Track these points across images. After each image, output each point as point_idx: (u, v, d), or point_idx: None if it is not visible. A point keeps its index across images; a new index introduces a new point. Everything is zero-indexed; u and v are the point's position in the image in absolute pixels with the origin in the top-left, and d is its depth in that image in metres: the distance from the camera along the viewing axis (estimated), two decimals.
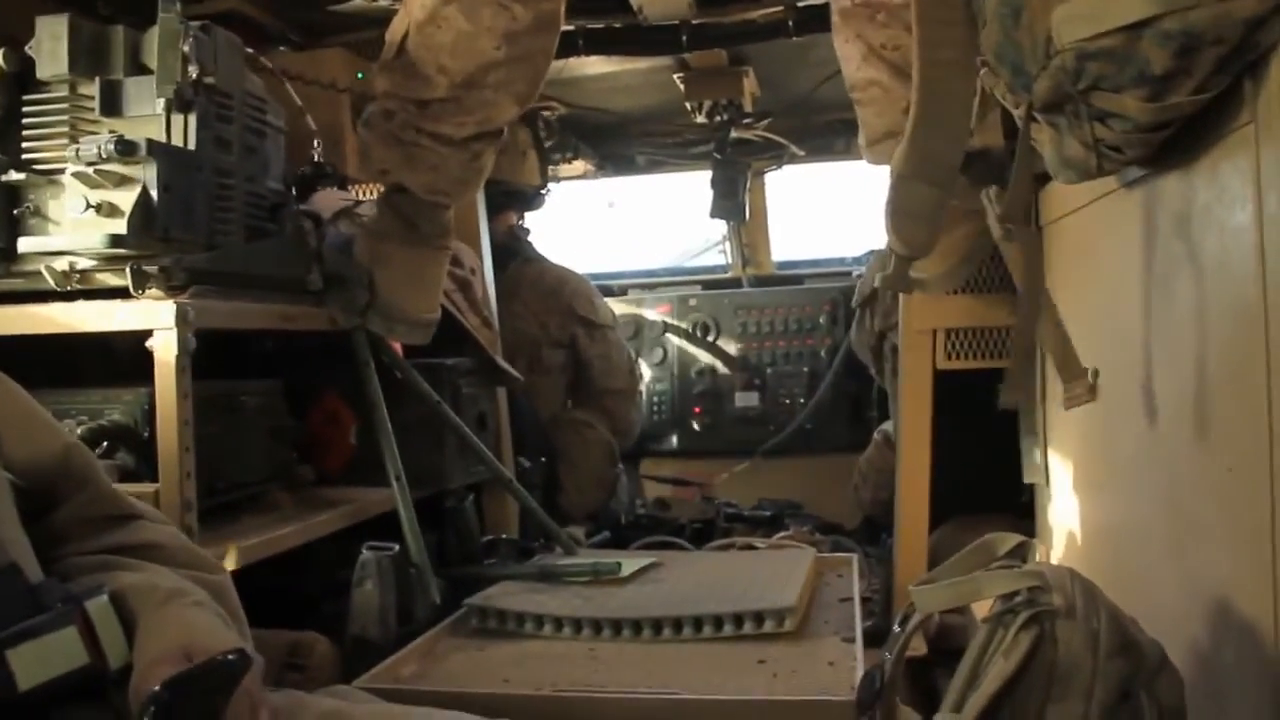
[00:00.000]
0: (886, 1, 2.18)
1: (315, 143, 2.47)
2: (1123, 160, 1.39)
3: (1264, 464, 1.17)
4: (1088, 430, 1.94)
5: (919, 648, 2.37)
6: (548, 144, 3.90)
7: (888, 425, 3.43)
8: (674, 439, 4.49)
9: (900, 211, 1.98)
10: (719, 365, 4.46)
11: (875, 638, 2.12)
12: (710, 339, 4.47)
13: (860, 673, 1.70)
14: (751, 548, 3.03)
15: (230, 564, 1.83)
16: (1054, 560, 2.20)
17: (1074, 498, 2.05)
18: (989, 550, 1.42)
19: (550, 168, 4.01)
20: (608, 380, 3.82)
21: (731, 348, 4.43)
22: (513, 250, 3.78)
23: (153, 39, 1.82)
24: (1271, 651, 1.18)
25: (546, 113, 3.81)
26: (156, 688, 1.06)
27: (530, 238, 3.97)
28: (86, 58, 1.82)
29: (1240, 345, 1.24)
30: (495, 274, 3.40)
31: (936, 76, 1.83)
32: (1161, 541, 1.55)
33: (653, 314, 4.55)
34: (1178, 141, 1.33)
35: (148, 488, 1.77)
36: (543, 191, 3.93)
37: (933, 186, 1.92)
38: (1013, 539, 1.42)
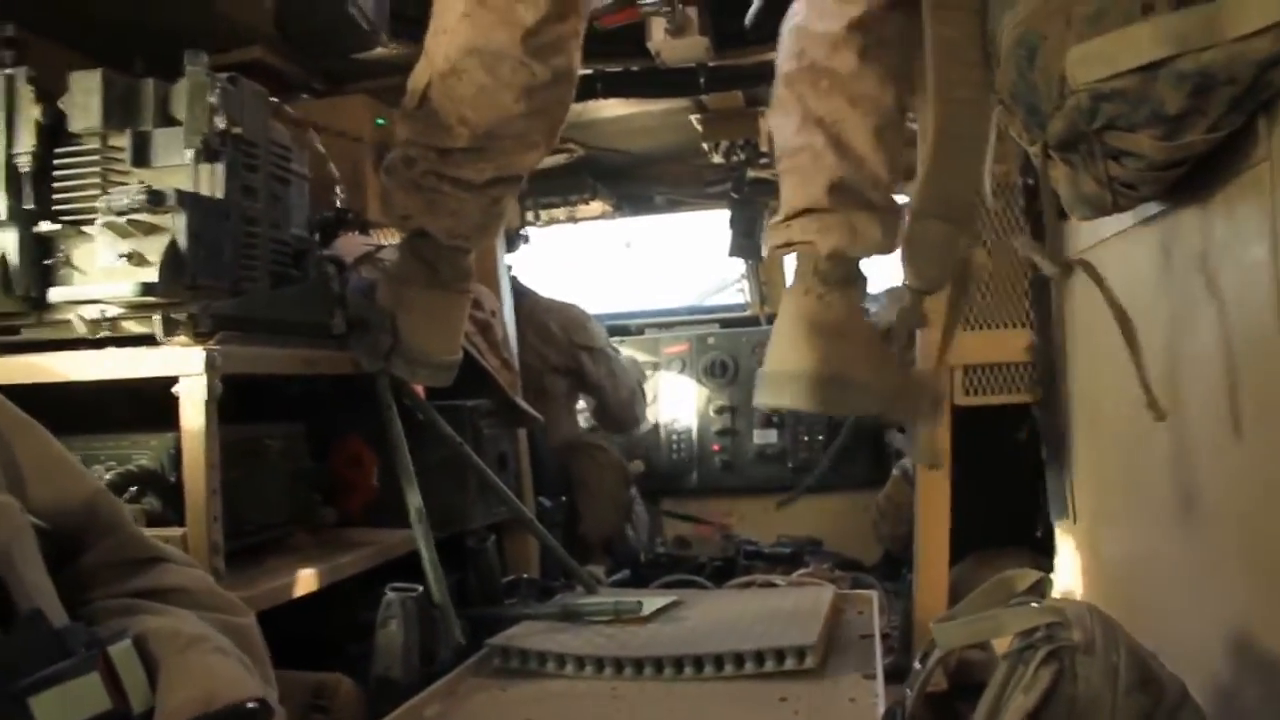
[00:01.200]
0: (834, 69, 2.09)
1: (338, 189, 2.50)
2: (1137, 198, 1.41)
3: None
4: (1107, 465, 1.94)
5: (940, 683, 2.37)
6: (562, 183, 4.00)
7: (906, 461, 3.44)
8: (694, 477, 4.49)
9: (915, 247, 2.01)
10: (737, 403, 4.47)
11: (896, 674, 2.12)
12: (728, 378, 4.49)
13: (881, 709, 1.71)
14: (771, 585, 3.03)
15: (254, 606, 1.85)
16: (1073, 595, 2.20)
17: (1094, 532, 2.05)
18: (1008, 586, 1.43)
19: (568, 209, 4.08)
20: (617, 394, 3.94)
21: (750, 386, 4.44)
22: None
23: (181, 91, 1.86)
24: None
25: (563, 156, 3.85)
26: None
27: (513, 274, 4.02)
28: (118, 110, 1.86)
29: (1260, 378, 1.25)
30: None
31: (953, 115, 1.86)
32: (1182, 577, 1.55)
33: (671, 353, 4.57)
34: (1193, 178, 1.35)
35: (175, 531, 1.79)
36: (520, 234, 4.04)
37: (948, 224, 1.95)
38: (1031, 575, 1.43)
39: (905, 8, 2.04)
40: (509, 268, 3.99)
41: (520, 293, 3.87)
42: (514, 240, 4.01)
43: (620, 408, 3.97)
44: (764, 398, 2.21)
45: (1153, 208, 1.54)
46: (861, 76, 2.06)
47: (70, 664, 1.06)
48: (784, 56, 2.17)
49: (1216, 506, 1.42)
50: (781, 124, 2.19)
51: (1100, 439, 2.02)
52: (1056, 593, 2.16)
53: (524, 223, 4.04)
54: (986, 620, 1.34)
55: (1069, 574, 2.26)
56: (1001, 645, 1.41)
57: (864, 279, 2.18)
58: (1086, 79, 1.32)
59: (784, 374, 2.13)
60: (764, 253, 2.27)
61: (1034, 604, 1.35)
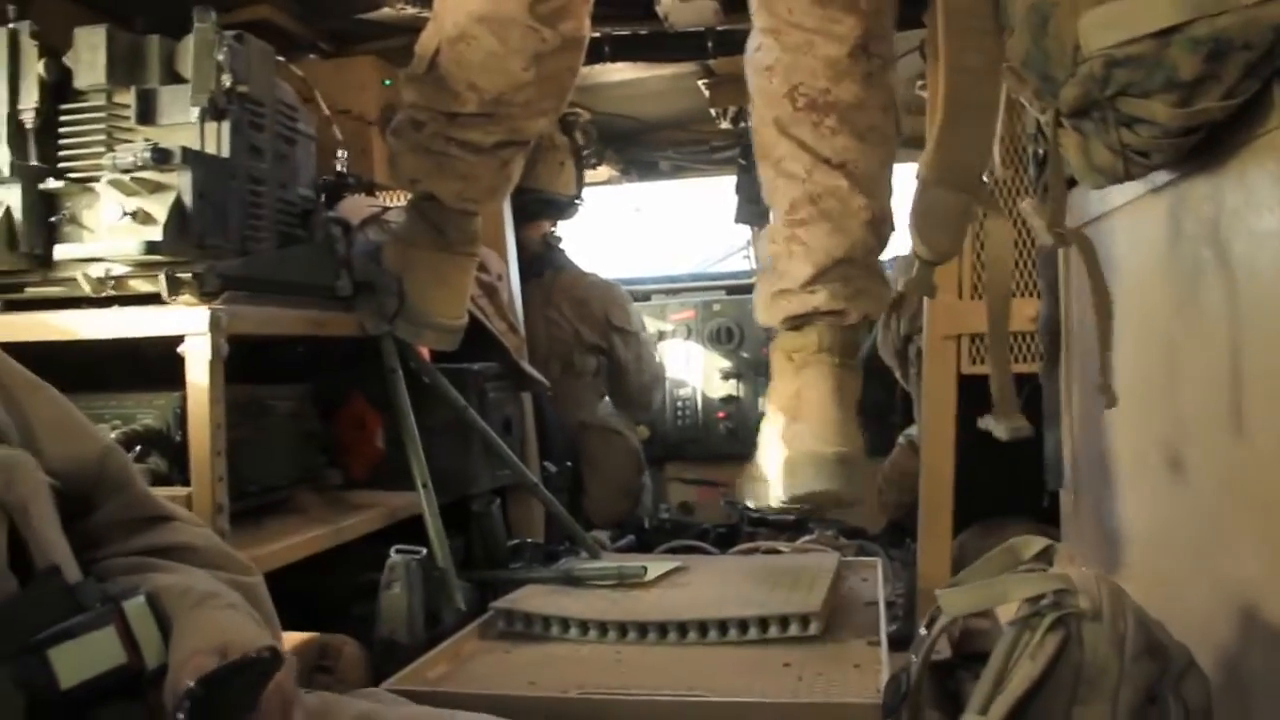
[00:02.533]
0: (836, 102, 1.97)
1: (340, 152, 2.49)
2: (1150, 165, 1.39)
3: None
4: (1113, 434, 1.94)
5: (944, 651, 2.37)
6: (584, 153, 3.94)
7: (912, 430, 3.43)
8: (699, 444, 4.49)
9: (924, 217, 1.98)
10: (743, 370, 4.46)
11: (900, 641, 2.13)
12: (734, 344, 4.48)
13: (886, 676, 1.71)
14: (776, 551, 3.04)
15: (259, 567, 1.85)
16: (1080, 564, 2.20)
17: (1100, 501, 2.04)
18: (1014, 554, 1.43)
19: None
20: (639, 378, 3.92)
21: (756, 352, 4.44)
22: (546, 258, 3.85)
23: (187, 48, 1.85)
24: None
25: (577, 119, 3.83)
26: (191, 683, 1.07)
27: (562, 245, 4.02)
28: (123, 67, 1.85)
29: (1269, 347, 1.24)
30: (530, 281, 3.45)
31: (963, 83, 1.83)
32: (1189, 545, 1.55)
33: (677, 319, 4.56)
34: (1206, 146, 1.34)
35: (180, 491, 1.79)
36: (577, 201, 3.97)
37: (958, 192, 1.93)
38: (1038, 542, 1.42)
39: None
40: (559, 238, 4.00)
41: (561, 265, 3.88)
42: (566, 207, 3.96)
43: (639, 391, 3.96)
44: (809, 483, 2.04)
45: (1164, 176, 1.52)
46: (866, 107, 1.99)
47: (87, 618, 1.08)
48: (764, 102, 2.06)
49: (1223, 474, 1.41)
50: (780, 177, 2.05)
51: (1101, 408, 2.02)
52: (1062, 561, 2.16)
53: (580, 190, 3.95)
54: (993, 587, 1.34)
55: (1076, 542, 2.26)
56: (1006, 615, 1.41)
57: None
58: (1100, 45, 1.30)
59: (832, 457, 2.02)
60: (766, 320, 2.08)
61: (1041, 571, 1.35)
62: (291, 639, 1.85)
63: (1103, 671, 1.18)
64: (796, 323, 2.07)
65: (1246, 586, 1.32)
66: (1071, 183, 1.83)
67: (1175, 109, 1.25)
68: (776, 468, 2.08)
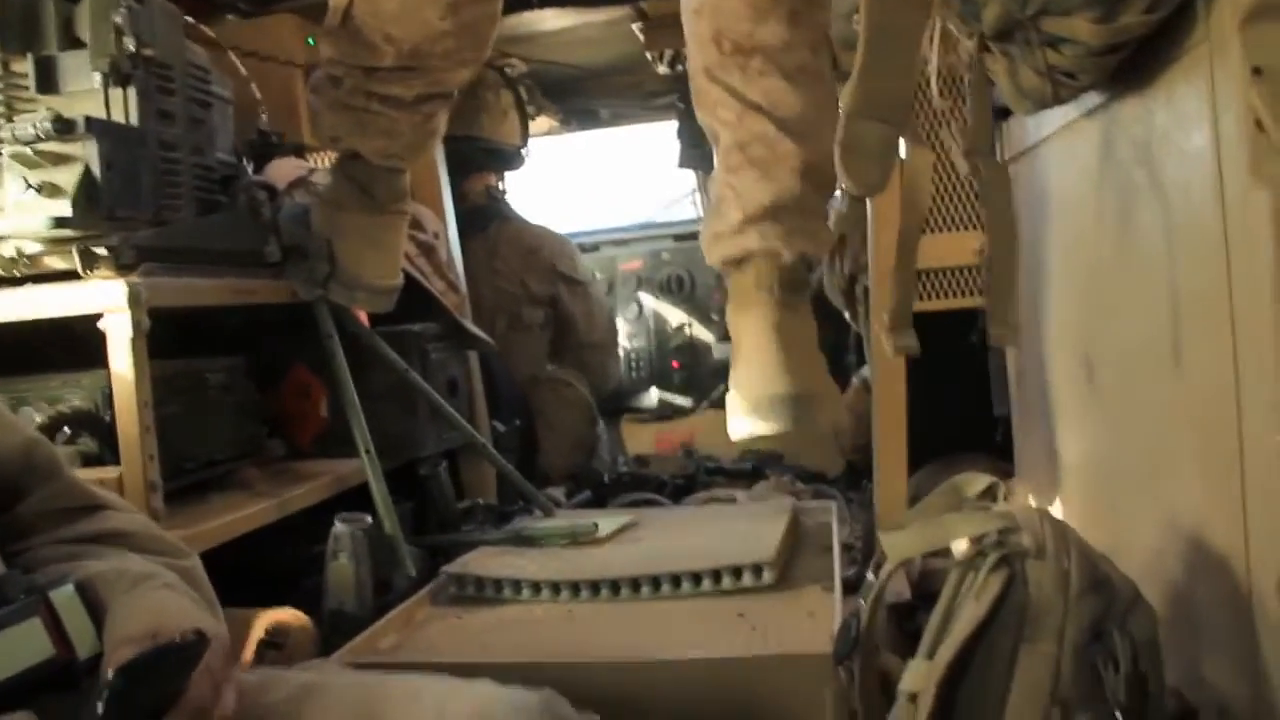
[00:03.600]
0: (763, 45, 1.90)
1: (261, 113, 2.42)
2: (1078, 86, 1.37)
3: (1231, 393, 1.16)
4: (1059, 366, 1.92)
5: (904, 593, 2.37)
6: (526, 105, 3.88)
7: (866, 370, 3.42)
8: (653, 395, 4.47)
9: (850, 150, 1.93)
10: (695, 318, 4.43)
11: (857, 585, 2.11)
12: (685, 291, 4.45)
13: (836, 622, 1.69)
14: (732, 500, 3.02)
15: (201, 544, 1.81)
16: (1031, 495, 2.19)
17: (1046, 432, 2.04)
18: (958, 492, 1.41)
19: None
20: (590, 335, 3.85)
21: (707, 299, 4.41)
22: (491, 211, 3.78)
23: (84, 11, 1.77)
24: (1243, 581, 1.17)
25: (508, 70, 3.77)
26: (109, 675, 1.04)
27: (506, 197, 3.95)
28: (17, 33, 1.76)
29: (1204, 271, 1.22)
30: (474, 235, 3.39)
31: (882, 10, 1.78)
32: (1135, 476, 1.54)
33: (626, 269, 4.52)
34: (1134, 65, 1.31)
35: (111, 472, 1.75)
36: (522, 151, 3.90)
37: (885, 125, 1.88)
38: (983, 479, 1.41)
39: None
40: (503, 190, 3.93)
41: (507, 216, 3.82)
42: (513, 158, 3.92)
43: (591, 351, 3.88)
44: (752, 427, 2.01)
45: (1095, 99, 1.49)
46: (794, 47, 1.91)
47: (9, 611, 1.04)
48: (696, 47, 1.99)
49: (1162, 401, 1.40)
50: (715, 124, 2.00)
51: (1048, 339, 2.00)
52: (1016, 495, 2.15)
53: (525, 140, 3.91)
54: (935, 528, 1.32)
55: (1027, 477, 2.26)
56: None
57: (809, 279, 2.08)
58: None
59: (774, 398, 1.98)
60: (709, 261, 2.03)
61: (984, 509, 1.33)
62: (239, 616, 1.81)
63: (1048, 610, 1.16)
64: (734, 264, 2.03)
65: (1191, 515, 1.31)
66: (1008, 113, 1.81)
67: (1097, 25, 1.22)
68: (732, 409, 2.05)
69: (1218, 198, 1.15)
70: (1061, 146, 1.77)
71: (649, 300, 4.48)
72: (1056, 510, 1.95)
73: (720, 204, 2.02)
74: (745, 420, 2.01)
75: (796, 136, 1.93)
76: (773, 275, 2.00)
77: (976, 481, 1.42)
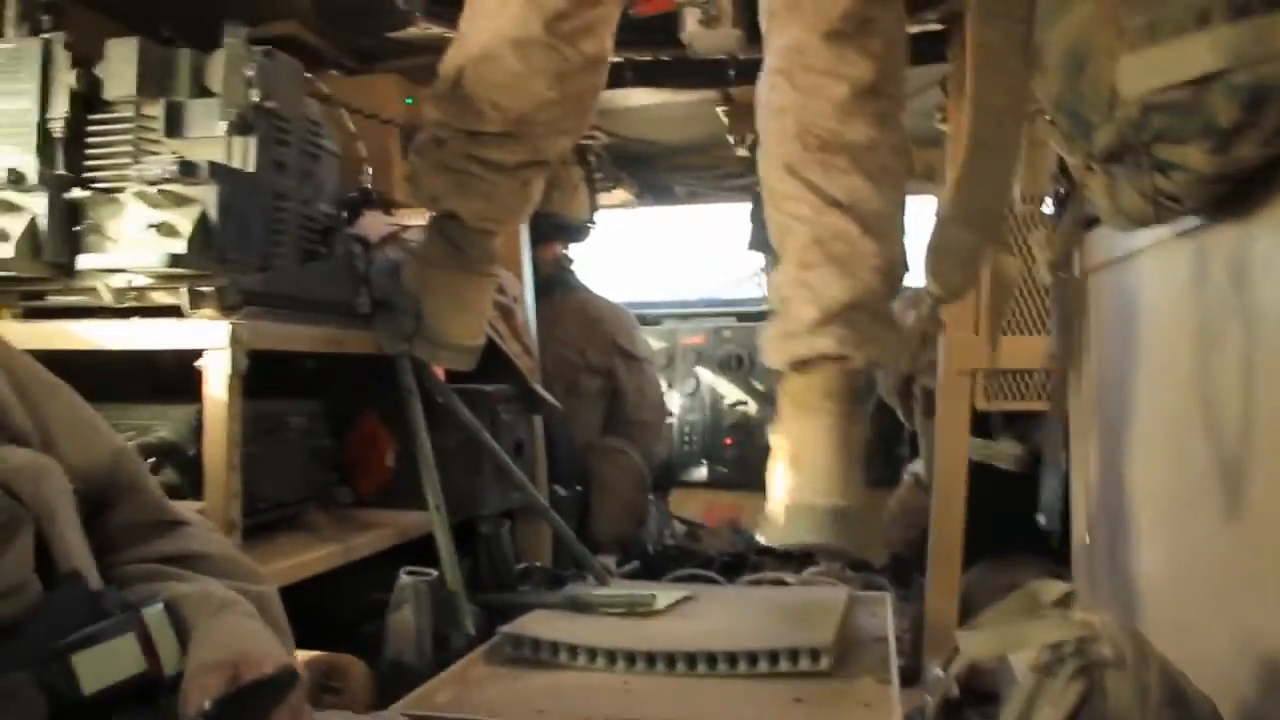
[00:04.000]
0: (849, 144, 1.91)
1: (365, 169, 2.49)
2: (1181, 211, 1.39)
3: None
4: (1135, 478, 1.93)
5: (951, 690, 2.36)
6: (597, 176, 3.94)
7: (917, 465, 3.43)
8: (704, 470, 4.48)
9: (940, 254, 1.96)
10: (751, 398, 4.45)
11: (906, 678, 2.11)
12: (743, 371, 4.47)
13: (898, 716, 1.70)
14: (782, 583, 3.02)
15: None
16: (1096, 607, 2.18)
17: (1117, 545, 2.03)
18: (1034, 597, 1.42)
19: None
20: (639, 412, 3.89)
21: (764, 380, 4.43)
22: (558, 280, 3.86)
23: (217, 62, 1.85)
24: None
25: (593, 143, 3.85)
26: (206, 706, 1.07)
27: (573, 268, 4.03)
28: (153, 80, 1.85)
29: None
30: (540, 302, 3.45)
31: (987, 122, 1.83)
32: (1209, 594, 1.54)
33: (687, 344, 4.56)
34: (1237, 192, 1.33)
35: (193, 505, 1.78)
36: (589, 225, 3.98)
37: (974, 232, 1.92)
38: (1059, 587, 1.41)
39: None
40: (570, 260, 4.01)
41: (572, 286, 3.89)
42: (580, 231, 3.99)
43: (639, 428, 3.91)
44: (797, 536, 2.01)
45: (1190, 221, 1.52)
46: (878, 148, 1.93)
47: (109, 624, 1.09)
48: (775, 143, 2.01)
49: (1245, 522, 1.41)
50: (788, 219, 2.00)
51: (1121, 449, 2.01)
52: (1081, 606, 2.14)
53: (592, 214, 3.98)
54: (1014, 631, 1.32)
55: (1090, 586, 2.25)
56: (1018, 656, 1.40)
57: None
58: (1138, 90, 1.30)
59: (828, 510, 1.97)
60: (771, 362, 2.10)
61: (1062, 617, 1.34)
62: (299, 657, 1.84)
63: None
64: (801, 366, 2.03)
65: (1269, 637, 1.31)
66: (1092, 222, 1.84)
67: (1212, 156, 1.25)
68: (776, 513, 2.05)
69: None
70: (1152, 262, 1.80)
71: (707, 376, 4.51)
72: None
73: (789, 304, 2.02)
74: (789, 529, 2.01)
75: (876, 235, 1.95)
76: (840, 382, 2.00)
77: (1052, 588, 1.42)
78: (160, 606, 1.14)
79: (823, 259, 1.96)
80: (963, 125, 1.85)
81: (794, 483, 2.02)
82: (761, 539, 2.12)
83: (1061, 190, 2.22)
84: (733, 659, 2.00)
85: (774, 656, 1.99)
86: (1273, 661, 1.30)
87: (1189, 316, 1.61)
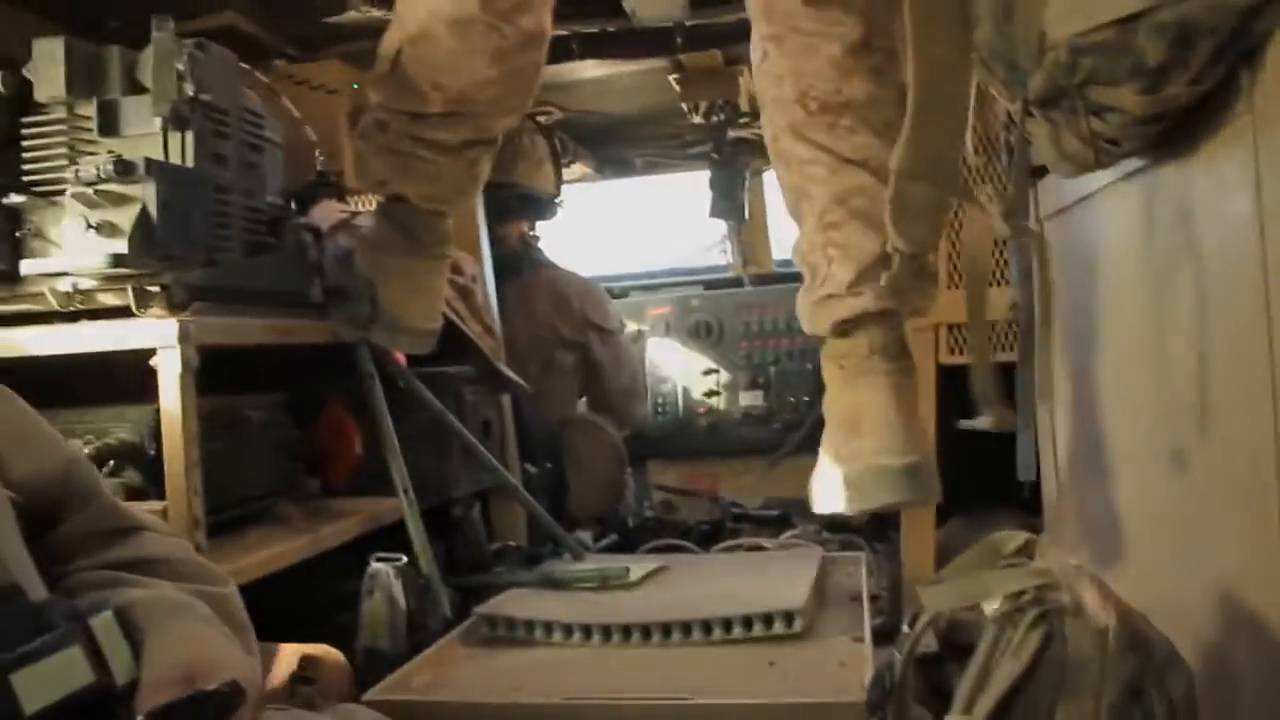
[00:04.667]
0: (850, 101, 1.91)
1: (317, 153, 2.47)
2: (1120, 153, 1.39)
3: (1269, 452, 1.17)
4: (1092, 424, 1.94)
5: (930, 644, 2.36)
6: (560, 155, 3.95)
7: None
8: (680, 440, 4.48)
9: (901, 210, 1.95)
10: (722, 365, 4.45)
11: (886, 636, 2.12)
12: (712, 340, 4.47)
13: (870, 673, 1.70)
14: (759, 548, 3.03)
15: (239, 579, 1.83)
16: (1061, 555, 2.19)
17: (1083, 491, 2.04)
18: (995, 548, 1.42)
19: None
20: (616, 380, 3.92)
21: (734, 347, 4.43)
22: (524, 257, 3.85)
23: (148, 58, 1.82)
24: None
25: (547, 119, 3.83)
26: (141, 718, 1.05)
27: (540, 244, 4.03)
28: (83, 79, 1.82)
29: (1243, 334, 1.24)
30: (509, 280, 3.44)
31: (931, 75, 1.81)
32: (1169, 535, 1.55)
33: (654, 315, 4.55)
34: (1176, 133, 1.33)
35: (155, 505, 1.78)
36: (556, 201, 3.96)
37: (933, 185, 1.91)
38: (1019, 536, 1.41)
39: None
40: (536, 238, 3.99)
41: (540, 263, 3.88)
42: (547, 207, 3.98)
43: (617, 395, 3.94)
44: (871, 499, 1.97)
45: (1135, 163, 1.52)
46: (880, 103, 1.93)
47: (50, 638, 1.04)
48: (778, 111, 1.99)
49: (1202, 465, 1.41)
50: (804, 181, 1.98)
51: (1083, 397, 2.01)
52: (1044, 554, 2.15)
53: (558, 189, 3.97)
54: (974, 583, 1.32)
55: (1058, 534, 2.26)
56: (990, 608, 1.40)
57: None
58: (1065, 32, 1.29)
59: (902, 469, 1.93)
60: (813, 329, 2.06)
61: (1022, 566, 1.34)
62: (271, 650, 1.83)
63: (1085, 667, 1.17)
64: (845, 328, 2.00)
65: (1227, 574, 1.32)
66: (1043, 170, 1.83)
67: (1143, 96, 1.24)
68: (838, 483, 2.01)
69: (1259, 261, 1.17)
70: (1101, 207, 1.80)
71: (677, 346, 4.50)
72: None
73: (819, 269, 2.00)
74: (870, 494, 1.97)
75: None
76: (888, 337, 1.98)
77: (1012, 538, 1.42)
78: (109, 614, 1.11)
79: (847, 216, 1.94)
80: (909, 80, 1.84)
81: (861, 448, 1.97)
82: (821, 509, 2.08)
83: (1013, 139, 2.21)
84: (707, 626, 2.01)
85: (748, 621, 1.99)
86: (1230, 600, 1.31)
87: (1139, 259, 1.61)
